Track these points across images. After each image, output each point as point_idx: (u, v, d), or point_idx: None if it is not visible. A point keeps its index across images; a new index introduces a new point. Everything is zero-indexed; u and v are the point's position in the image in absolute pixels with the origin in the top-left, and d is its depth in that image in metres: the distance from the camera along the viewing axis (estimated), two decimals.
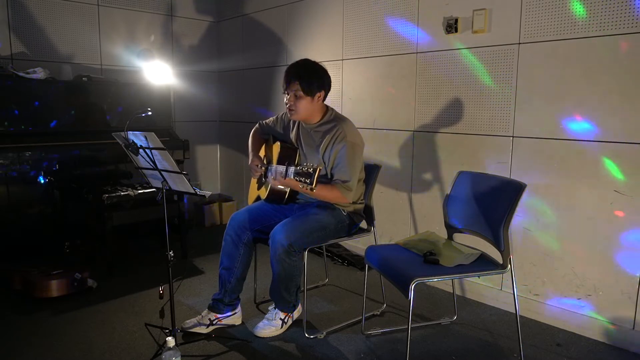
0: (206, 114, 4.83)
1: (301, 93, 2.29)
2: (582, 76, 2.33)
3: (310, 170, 1.99)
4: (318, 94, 2.34)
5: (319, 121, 2.40)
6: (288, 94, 2.33)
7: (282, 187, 2.39)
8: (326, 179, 2.34)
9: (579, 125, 2.36)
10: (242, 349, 2.28)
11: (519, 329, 2.11)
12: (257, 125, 2.71)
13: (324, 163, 2.35)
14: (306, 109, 2.33)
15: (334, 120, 2.38)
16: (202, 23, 4.68)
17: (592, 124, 2.31)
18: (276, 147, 2.55)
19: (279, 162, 2.41)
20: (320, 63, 2.40)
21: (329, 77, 2.39)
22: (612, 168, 2.27)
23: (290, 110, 2.34)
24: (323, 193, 2.26)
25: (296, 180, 2.04)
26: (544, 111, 2.48)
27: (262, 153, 2.64)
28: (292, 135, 2.52)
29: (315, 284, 3.09)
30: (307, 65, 2.35)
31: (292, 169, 2.08)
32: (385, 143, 3.28)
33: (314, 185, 1.98)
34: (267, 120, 2.68)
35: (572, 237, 2.43)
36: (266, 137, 2.69)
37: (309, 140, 2.43)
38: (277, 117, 2.64)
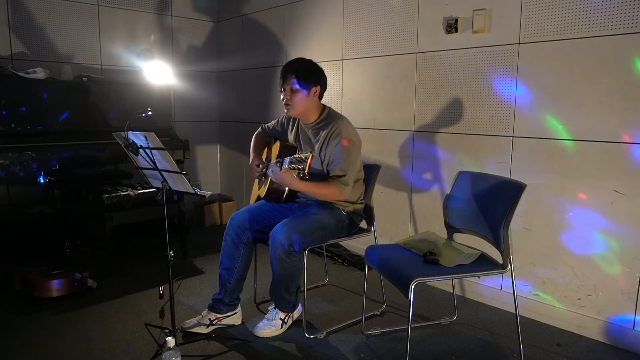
0: (206, 114, 4.83)
1: (297, 87, 2.31)
2: (582, 76, 2.33)
3: (303, 157, 2.02)
4: (314, 89, 2.35)
5: (316, 119, 2.41)
6: (284, 90, 2.35)
7: (280, 185, 2.40)
8: (322, 177, 2.34)
9: (579, 125, 2.36)
10: (242, 349, 2.29)
11: (519, 329, 2.11)
12: (259, 128, 2.73)
13: (321, 160, 2.35)
14: (302, 103, 2.34)
15: (330, 118, 2.39)
16: (202, 23, 4.68)
17: (592, 124, 2.31)
18: (276, 146, 2.57)
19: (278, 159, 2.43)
20: (319, 63, 2.42)
21: (325, 75, 2.41)
22: (612, 168, 2.27)
23: (286, 105, 2.36)
24: (319, 190, 2.27)
25: (291, 168, 2.07)
26: (544, 111, 2.48)
27: (264, 156, 2.66)
28: (291, 134, 2.53)
29: (315, 284, 3.09)
30: (302, 61, 2.39)
31: (287, 159, 2.11)
32: (385, 143, 3.28)
33: (306, 171, 2.01)
34: (268, 124, 2.71)
35: (572, 237, 2.43)
36: (268, 139, 2.71)
37: (306, 139, 2.45)
38: (277, 120, 2.67)
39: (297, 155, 2.07)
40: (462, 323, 2.57)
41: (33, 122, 3.32)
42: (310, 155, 2.03)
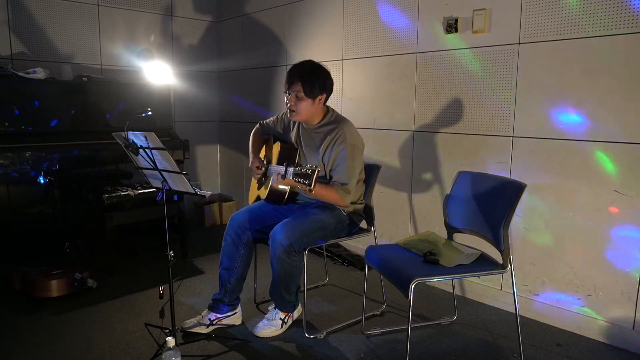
0: (206, 114, 4.83)
1: (302, 94, 2.27)
2: (582, 76, 2.33)
3: (309, 171, 1.99)
4: (319, 97, 2.32)
5: (320, 122, 2.40)
6: (289, 94, 2.32)
7: (282, 186, 2.39)
8: (325, 180, 2.34)
9: (579, 125, 2.36)
10: (242, 349, 2.29)
11: (519, 329, 2.11)
12: (257, 125, 2.71)
13: (324, 164, 2.34)
14: (306, 110, 2.32)
15: (334, 122, 2.37)
16: (202, 23, 4.68)
17: (592, 124, 2.32)
18: (276, 147, 2.55)
19: (279, 163, 2.41)
20: (321, 63, 2.39)
21: (332, 80, 2.37)
22: (612, 168, 2.27)
23: (290, 111, 2.34)
24: (321, 192, 2.25)
25: (295, 181, 2.04)
26: (544, 111, 2.48)
27: (262, 153, 2.64)
28: (293, 135, 2.52)
29: (315, 284, 3.09)
30: (310, 67, 2.33)
31: (291, 169, 2.07)
32: (385, 143, 3.28)
33: (312, 186, 1.98)
34: (267, 120, 2.68)
35: (571, 237, 2.43)
36: (266, 137, 2.69)
37: (309, 141, 2.43)
38: (277, 117, 2.63)
39: (302, 169, 2.02)
40: (462, 323, 2.57)
41: (33, 122, 3.32)
42: (317, 169, 1.99)
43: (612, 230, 2.29)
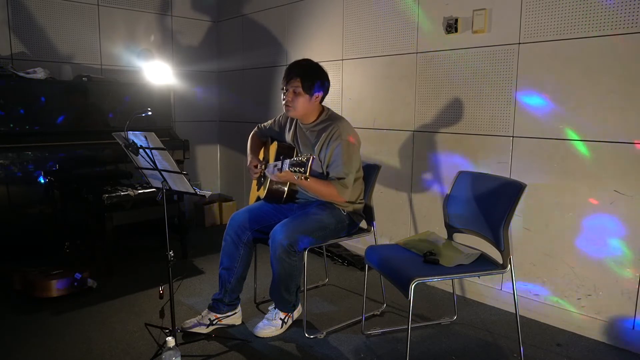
0: (206, 114, 4.83)
1: (300, 90, 2.30)
2: (582, 76, 2.33)
3: (304, 159, 1.99)
4: (317, 95, 2.35)
5: (315, 120, 2.41)
6: (287, 90, 2.34)
7: (280, 184, 2.39)
8: (323, 177, 2.34)
9: (579, 125, 2.36)
10: (242, 349, 2.29)
11: (519, 329, 2.11)
12: (255, 128, 2.73)
13: (321, 162, 2.35)
14: (303, 106, 2.34)
15: (329, 120, 2.39)
16: (202, 23, 4.68)
17: (592, 124, 2.31)
18: (274, 147, 2.57)
19: (277, 160, 2.41)
20: (320, 63, 2.41)
21: (329, 82, 2.41)
22: (612, 168, 2.27)
23: (287, 106, 2.35)
24: (319, 187, 2.26)
25: (291, 171, 2.03)
26: (544, 111, 2.48)
27: (260, 155, 2.65)
28: (289, 135, 2.53)
29: (315, 284, 3.09)
30: (310, 65, 2.37)
31: (287, 160, 2.08)
32: (385, 143, 3.28)
33: (307, 173, 1.98)
34: (265, 124, 2.70)
35: (572, 237, 2.43)
36: (265, 139, 2.70)
37: (305, 140, 2.44)
38: (274, 120, 2.66)
39: (297, 158, 2.03)
40: (462, 323, 2.57)
41: (33, 122, 3.32)
42: (311, 157, 2.00)
43: (612, 230, 2.29)
